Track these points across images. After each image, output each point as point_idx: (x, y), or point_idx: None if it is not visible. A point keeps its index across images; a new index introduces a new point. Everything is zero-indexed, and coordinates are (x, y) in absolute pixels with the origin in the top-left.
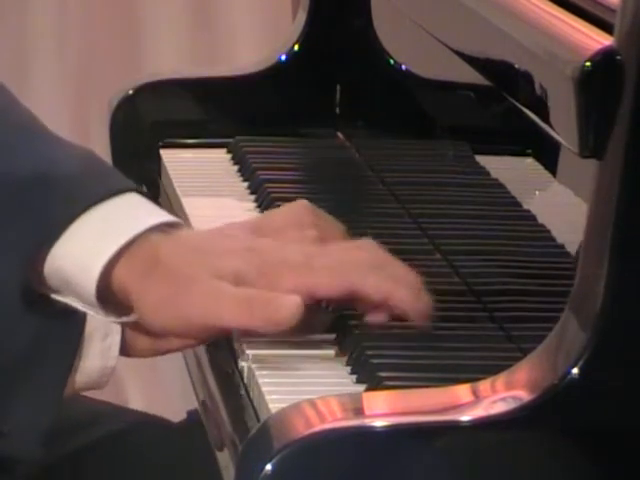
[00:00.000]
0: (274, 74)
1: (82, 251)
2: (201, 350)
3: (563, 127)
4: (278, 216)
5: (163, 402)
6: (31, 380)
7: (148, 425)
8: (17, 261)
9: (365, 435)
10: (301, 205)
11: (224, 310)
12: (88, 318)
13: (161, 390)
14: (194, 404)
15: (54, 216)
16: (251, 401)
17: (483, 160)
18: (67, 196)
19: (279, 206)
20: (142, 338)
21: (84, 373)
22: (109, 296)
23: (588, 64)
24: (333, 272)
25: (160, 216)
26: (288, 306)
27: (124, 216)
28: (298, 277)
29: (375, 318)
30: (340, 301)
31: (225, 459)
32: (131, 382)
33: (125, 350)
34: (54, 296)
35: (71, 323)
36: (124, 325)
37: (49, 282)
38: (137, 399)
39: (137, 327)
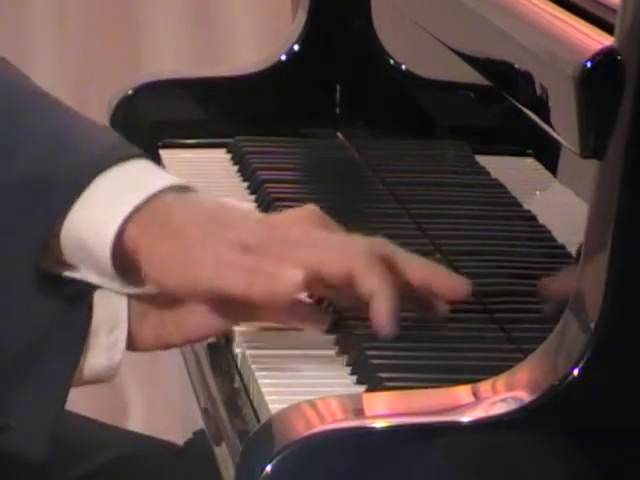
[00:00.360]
0: (274, 74)
1: (96, 215)
2: (201, 351)
3: (563, 127)
4: (286, 216)
5: (164, 403)
6: (37, 374)
7: (154, 449)
8: (32, 236)
9: (365, 436)
10: (311, 208)
11: (226, 275)
12: (95, 311)
13: (162, 391)
14: (198, 424)
15: (67, 183)
16: (251, 401)
17: (483, 160)
18: (79, 163)
19: (279, 206)
20: (146, 331)
21: (91, 367)
22: (124, 262)
23: (588, 64)
24: (339, 252)
25: (172, 179)
26: (288, 280)
27: (136, 179)
28: (306, 251)
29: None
30: (338, 285)
31: (225, 459)
32: (132, 382)
33: (129, 343)
34: (67, 274)
35: (78, 316)
36: (130, 314)
37: (67, 255)
38: (138, 402)
39: (144, 314)
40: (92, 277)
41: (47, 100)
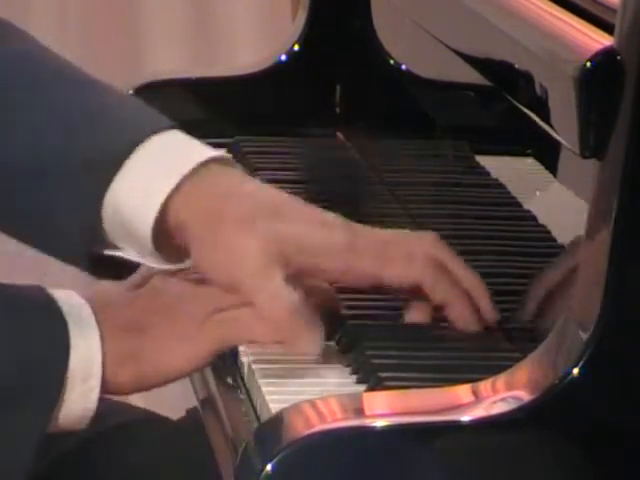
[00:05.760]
0: (274, 74)
1: (138, 189)
2: None
3: (563, 127)
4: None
5: (162, 400)
6: (10, 420)
7: (148, 422)
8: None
9: (365, 435)
10: (431, 240)
11: (260, 297)
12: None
13: (162, 390)
14: (193, 402)
15: (105, 157)
16: (251, 401)
17: (483, 160)
18: (120, 134)
19: None
20: (123, 377)
21: (64, 416)
22: (167, 236)
23: (588, 64)
24: (406, 263)
25: (213, 151)
26: (311, 347)
27: (178, 150)
28: (371, 263)
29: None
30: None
31: (225, 459)
32: None
33: (105, 387)
34: (108, 252)
35: (54, 362)
36: (106, 359)
37: (107, 231)
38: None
39: (120, 361)
40: (132, 254)
41: (72, 73)
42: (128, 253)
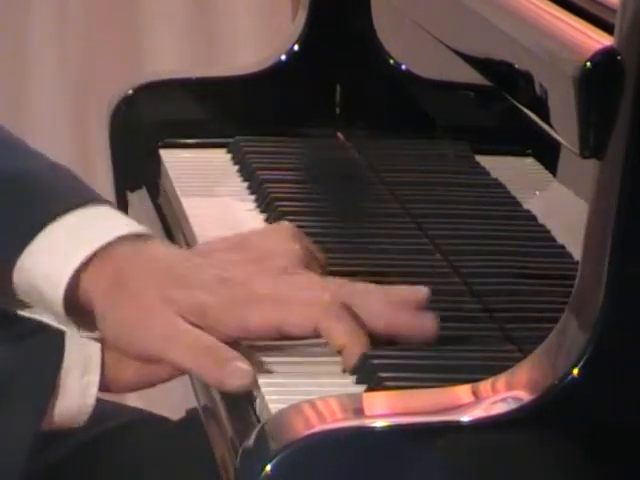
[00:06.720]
0: (274, 74)
1: (49, 263)
2: None
3: (563, 127)
4: (263, 239)
5: (162, 400)
6: (3, 416)
7: (147, 422)
8: None
9: (365, 435)
10: (287, 230)
11: (176, 351)
12: (67, 352)
13: (159, 387)
14: (193, 403)
15: (21, 227)
16: (251, 401)
17: (483, 160)
18: (37, 204)
19: (279, 206)
20: (126, 371)
21: (62, 411)
22: (78, 308)
23: (588, 64)
24: (302, 307)
25: (128, 227)
26: (239, 376)
27: (92, 226)
28: (268, 309)
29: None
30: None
31: (225, 460)
32: None
33: (107, 385)
34: (23, 313)
35: (48, 359)
36: (107, 356)
37: (21, 295)
38: (135, 396)
39: (121, 357)
40: (49, 318)
41: (9, 139)
42: (44, 316)
